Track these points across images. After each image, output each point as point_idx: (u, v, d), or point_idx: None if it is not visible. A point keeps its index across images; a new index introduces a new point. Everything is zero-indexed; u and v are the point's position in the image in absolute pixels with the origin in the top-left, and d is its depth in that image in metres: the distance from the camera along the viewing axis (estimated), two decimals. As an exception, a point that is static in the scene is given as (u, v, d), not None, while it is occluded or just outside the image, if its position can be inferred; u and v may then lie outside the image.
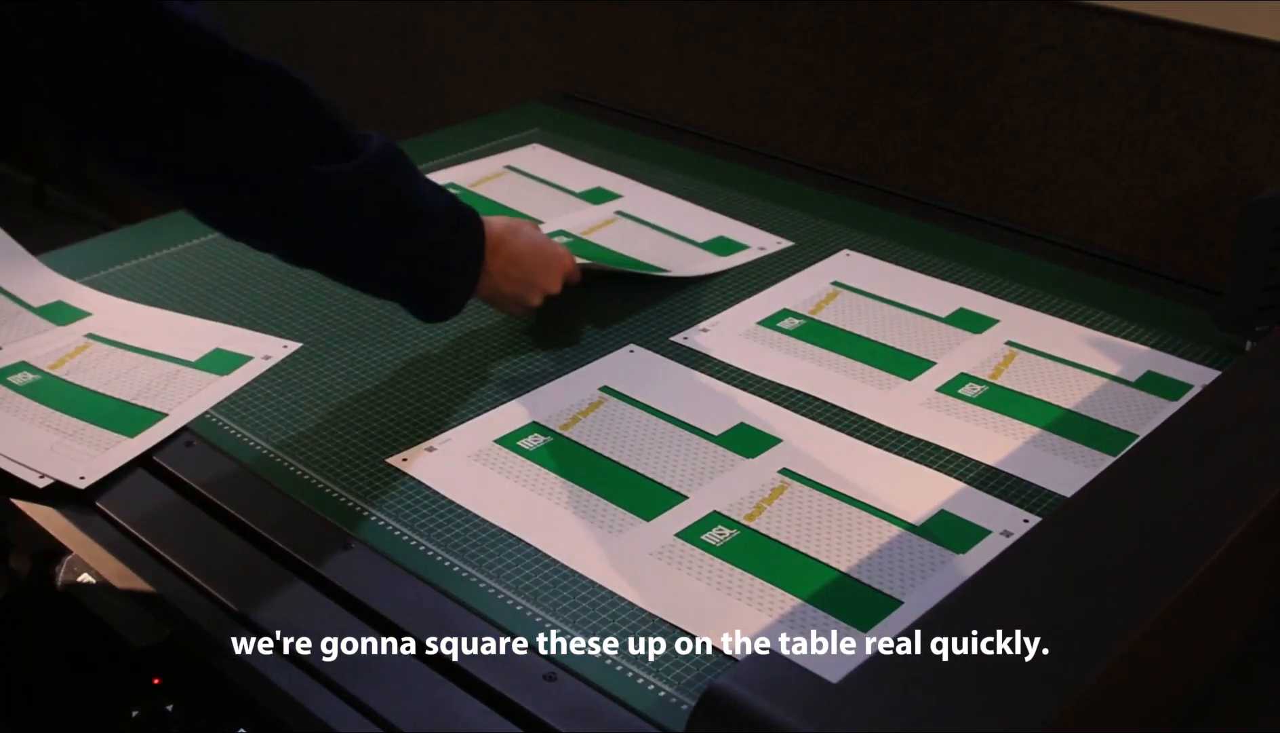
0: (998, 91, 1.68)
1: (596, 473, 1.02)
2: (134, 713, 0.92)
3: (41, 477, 1.01)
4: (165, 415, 1.08)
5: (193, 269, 1.33)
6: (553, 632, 0.86)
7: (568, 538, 0.95)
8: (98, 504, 1.00)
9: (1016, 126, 1.67)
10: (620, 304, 1.26)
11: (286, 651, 0.85)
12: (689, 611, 0.88)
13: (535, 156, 1.60)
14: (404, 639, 0.86)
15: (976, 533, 0.95)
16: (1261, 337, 1.14)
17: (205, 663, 0.88)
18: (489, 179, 1.53)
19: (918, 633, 0.70)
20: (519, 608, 0.88)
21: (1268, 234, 1.13)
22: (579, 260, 1.23)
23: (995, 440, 1.06)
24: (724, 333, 1.21)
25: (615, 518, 0.97)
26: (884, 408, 1.10)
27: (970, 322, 1.23)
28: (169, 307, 1.26)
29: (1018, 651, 0.69)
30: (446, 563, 0.92)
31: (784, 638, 0.85)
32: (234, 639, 0.86)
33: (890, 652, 0.68)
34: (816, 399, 1.11)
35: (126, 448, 1.04)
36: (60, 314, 1.23)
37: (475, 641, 0.85)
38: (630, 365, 1.16)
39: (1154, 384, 1.13)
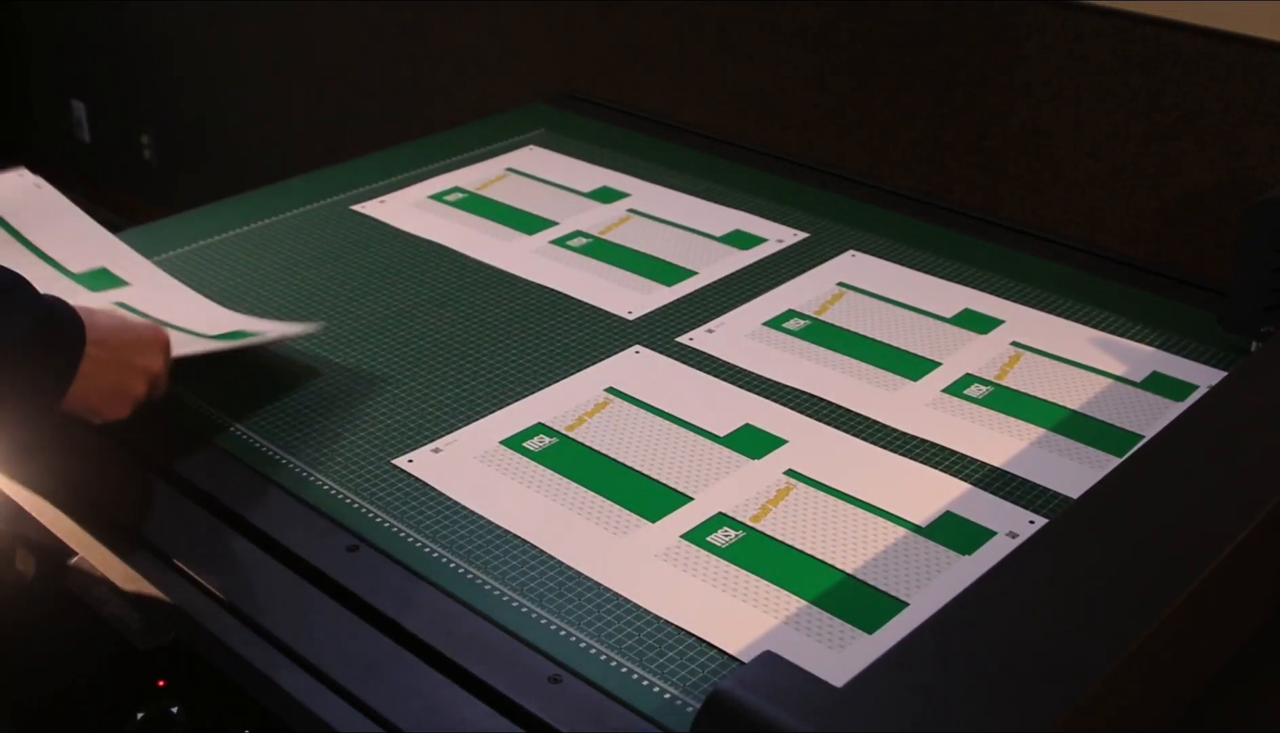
0: (1001, 92, 1.68)
1: (602, 474, 1.02)
2: (139, 715, 0.92)
3: None
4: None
5: (199, 270, 1.33)
6: (557, 634, 0.86)
7: (572, 539, 0.95)
8: (103, 506, 1.00)
9: (1020, 127, 1.67)
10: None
11: (291, 653, 0.85)
12: (694, 612, 0.88)
13: (534, 158, 1.60)
14: (408, 641, 0.86)
15: (982, 534, 0.95)
16: (1266, 337, 1.14)
17: (210, 665, 0.88)
18: (493, 182, 1.53)
19: (923, 636, 0.70)
20: (523, 610, 0.88)
21: (1272, 235, 1.12)
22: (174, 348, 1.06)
23: (1001, 441, 1.05)
24: (729, 334, 1.21)
25: (620, 519, 0.97)
26: (889, 409, 1.10)
27: (975, 322, 1.23)
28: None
29: (1023, 654, 0.69)
30: (451, 564, 0.92)
31: (789, 640, 0.85)
32: (239, 641, 0.86)
33: (895, 655, 0.68)
34: (822, 400, 1.11)
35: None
36: (98, 280, 1.21)
37: (480, 642, 0.85)
38: (636, 366, 1.16)
39: (1160, 385, 1.13)
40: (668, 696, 0.81)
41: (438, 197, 1.49)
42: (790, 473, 1.02)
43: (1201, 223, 1.56)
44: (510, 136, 1.66)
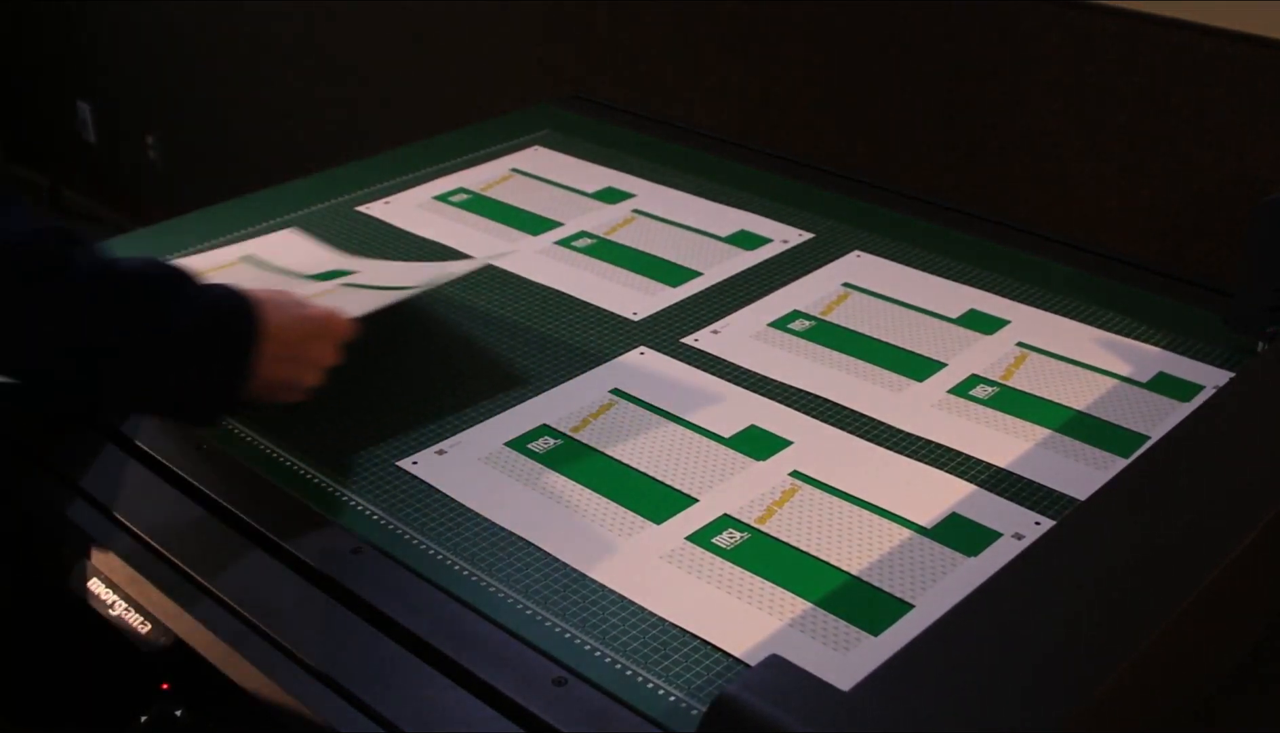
0: (1008, 92, 1.67)
1: (607, 476, 1.01)
2: (143, 718, 0.92)
3: None
4: None
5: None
6: (562, 636, 0.86)
7: (578, 541, 0.95)
8: (108, 509, 1.00)
9: (1027, 127, 1.67)
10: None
11: (295, 656, 0.85)
12: (699, 615, 0.87)
13: (539, 159, 1.60)
14: (413, 643, 0.86)
15: (988, 535, 0.94)
16: (1273, 338, 1.13)
17: (214, 668, 0.87)
18: (498, 183, 1.53)
19: (929, 640, 0.69)
20: (528, 612, 0.88)
21: (1278, 235, 1.12)
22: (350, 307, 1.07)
23: (1006, 442, 1.05)
24: (735, 335, 1.21)
25: (625, 521, 0.97)
26: (895, 410, 1.10)
27: (981, 323, 1.23)
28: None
29: (1030, 657, 0.69)
30: (456, 566, 0.92)
31: (794, 642, 0.84)
32: (242, 644, 0.86)
33: (902, 659, 0.68)
34: (827, 401, 1.11)
35: None
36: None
37: (484, 644, 0.85)
38: (641, 368, 1.16)
39: (1166, 385, 1.13)
40: (672, 698, 0.81)
41: (442, 197, 1.49)
42: (795, 474, 1.01)
43: (1208, 223, 1.55)
44: (515, 137, 1.66)
